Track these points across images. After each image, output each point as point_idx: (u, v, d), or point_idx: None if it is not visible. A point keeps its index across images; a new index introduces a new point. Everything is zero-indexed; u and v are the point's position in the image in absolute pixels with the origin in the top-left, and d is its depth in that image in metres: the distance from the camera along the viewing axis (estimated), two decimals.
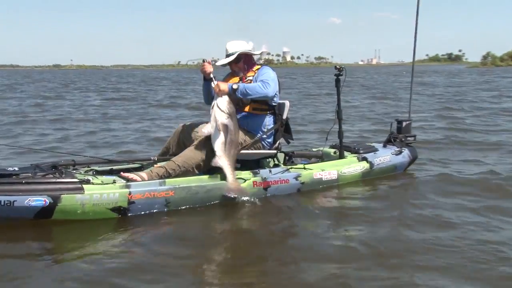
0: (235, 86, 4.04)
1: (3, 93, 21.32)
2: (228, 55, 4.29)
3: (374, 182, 4.78)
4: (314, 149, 5.13)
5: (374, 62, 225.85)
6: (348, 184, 4.61)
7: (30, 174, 3.52)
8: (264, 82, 4.09)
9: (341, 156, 4.76)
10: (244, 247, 3.27)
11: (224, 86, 4.05)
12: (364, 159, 4.79)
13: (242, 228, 3.68)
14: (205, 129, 4.05)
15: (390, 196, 4.45)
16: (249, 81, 4.23)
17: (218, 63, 4.35)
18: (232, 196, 3.88)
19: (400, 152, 5.12)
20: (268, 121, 4.32)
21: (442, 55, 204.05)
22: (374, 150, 5.03)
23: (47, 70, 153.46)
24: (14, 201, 3.28)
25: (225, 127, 3.93)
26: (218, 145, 3.93)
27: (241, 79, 4.31)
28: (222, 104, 3.95)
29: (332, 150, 4.98)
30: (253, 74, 4.26)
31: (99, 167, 4.27)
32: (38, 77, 54.16)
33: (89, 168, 4.13)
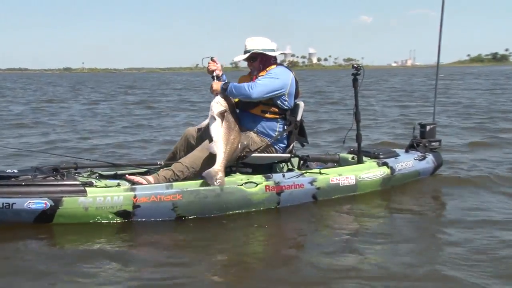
0: (224, 86, 4.23)
1: (8, 97, 21.95)
2: (245, 52, 4.42)
3: (396, 188, 4.85)
4: (331, 153, 5.19)
5: (408, 63, 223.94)
6: (368, 190, 4.68)
7: (30, 177, 3.67)
8: (253, 83, 4.21)
9: (360, 161, 4.83)
10: (252, 260, 3.34)
11: (217, 86, 4.26)
12: (385, 164, 4.85)
13: (253, 238, 3.77)
14: (205, 122, 4.27)
15: (412, 204, 4.52)
16: None
17: (235, 59, 4.56)
18: (210, 182, 3.97)
19: (424, 158, 5.18)
20: (279, 126, 4.42)
21: (486, 55, 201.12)
22: (395, 155, 5.08)
23: (57, 74, 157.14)
24: (13, 203, 3.45)
25: (222, 115, 4.14)
26: (215, 130, 4.11)
27: (251, 80, 4.43)
28: (218, 99, 4.20)
29: (350, 156, 5.04)
30: (263, 74, 4.36)
31: (102, 171, 4.43)
32: (47, 80, 55.45)
33: (92, 172, 4.29)
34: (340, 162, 4.87)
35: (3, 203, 3.45)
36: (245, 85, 4.21)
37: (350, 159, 5.00)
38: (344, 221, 4.11)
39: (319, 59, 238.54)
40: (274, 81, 4.25)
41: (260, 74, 4.38)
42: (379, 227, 3.92)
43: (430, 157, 5.23)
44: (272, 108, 4.36)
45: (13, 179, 3.63)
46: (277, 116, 4.39)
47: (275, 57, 4.48)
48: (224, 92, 4.22)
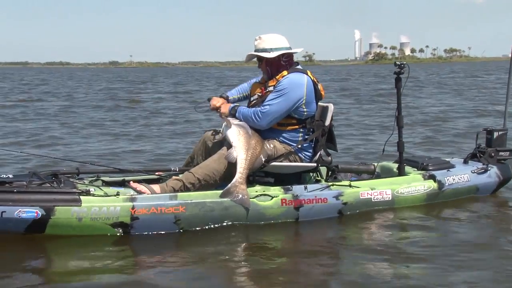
0: (233, 111, 4.67)
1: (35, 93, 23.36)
2: (255, 51, 4.71)
3: (447, 206, 4.96)
4: (365, 163, 5.34)
5: None
6: (410, 208, 4.84)
7: (24, 183, 4.09)
8: (259, 112, 4.52)
9: (401, 173, 4.99)
10: (261, 278, 3.59)
11: (225, 109, 4.72)
12: (432, 177, 4.95)
13: (264, 254, 4.01)
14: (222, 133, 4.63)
15: (463, 215, 4.67)
16: (268, 92, 4.63)
17: (246, 59, 4.86)
18: (231, 200, 4.29)
19: (485, 170, 5.21)
20: (301, 136, 4.70)
21: None
22: (449, 166, 5.17)
23: (102, 68, 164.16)
24: (2, 211, 3.87)
25: (239, 125, 4.50)
26: (233, 134, 4.45)
27: (261, 91, 4.73)
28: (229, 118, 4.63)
29: (395, 166, 5.19)
30: (274, 83, 4.63)
31: (110, 177, 4.84)
32: (83, 75, 58.15)
33: (95, 178, 4.70)
34: (376, 173, 5.04)
35: None
36: (252, 114, 4.55)
37: (395, 169, 5.15)
38: (376, 235, 4.33)
39: (413, 50, 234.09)
40: (283, 100, 4.51)
41: (270, 83, 4.65)
42: (422, 243, 4.09)
43: (493, 170, 5.24)
44: (290, 120, 4.64)
45: (7, 185, 4.05)
46: (297, 126, 4.67)
47: (288, 58, 4.69)
48: (234, 117, 4.63)
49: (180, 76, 58.10)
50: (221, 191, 4.34)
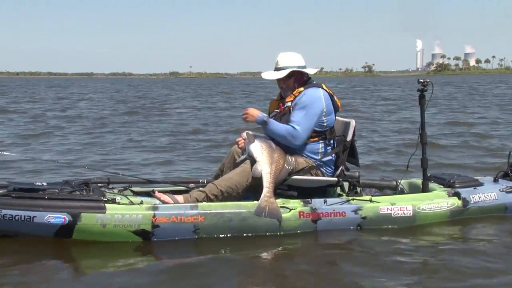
0: (262, 123, 4.73)
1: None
2: (277, 69, 4.87)
3: (471, 224, 4.96)
4: (387, 179, 5.38)
5: None
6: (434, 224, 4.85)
7: (56, 190, 4.41)
8: (295, 132, 4.64)
9: (425, 189, 5.03)
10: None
11: (254, 114, 4.77)
12: (456, 194, 4.96)
13: (281, 266, 4.16)
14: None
15: (490, 234, 4.66)
16: (286, 108, 4.78)
17: (266, 76, 4.97)
18: (263, 216, 4.41)
19: None
20: (321, 147, 4.83)
21: None
22: (476, 184, 5.17)
23: (162, 79, 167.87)
24: (34, 216, 4.18)
25: (262, 140, 4.68)
26: (256, 149, 4.62)
27: (278, 107, 4.89)
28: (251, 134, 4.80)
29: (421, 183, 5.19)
30: (291, 99, 4.79)
31: (140, 187, 5.10)
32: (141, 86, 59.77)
33: (124, 188, 4.97)
34: (401, 189, 5.11)
35: (24, 216, 4.18)
36: (286, 133, 4.66)
37: (421, 186, 5.16)
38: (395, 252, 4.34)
39: (478, 61, 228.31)
40: (309, 116, 4.67)
41: (288, 99, 4.80)
42: (444, 260, 4.12)
43: None
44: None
45: (40, 192, 4.38)
46: (317, 138, 4.81)
47: (307, 75, 4.91)
48: (263, 126, 4.75)
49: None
50: (241, 203, 4.53)
